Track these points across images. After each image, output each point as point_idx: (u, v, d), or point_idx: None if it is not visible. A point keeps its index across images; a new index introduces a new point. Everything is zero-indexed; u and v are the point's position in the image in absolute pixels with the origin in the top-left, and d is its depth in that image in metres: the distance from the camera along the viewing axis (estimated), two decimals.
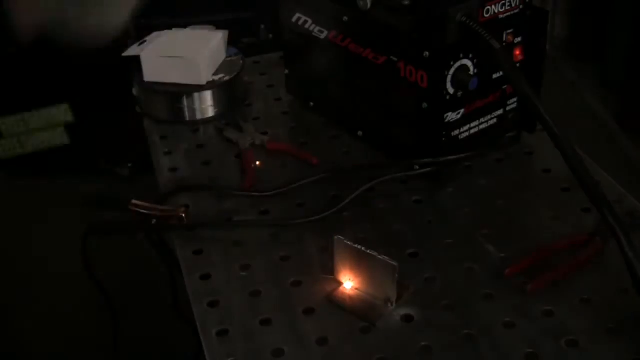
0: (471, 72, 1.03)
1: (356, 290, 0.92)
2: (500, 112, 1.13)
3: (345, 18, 1.12)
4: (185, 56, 1.28)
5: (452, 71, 1.01)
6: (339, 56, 1.17)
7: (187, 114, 1.30)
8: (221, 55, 1.35)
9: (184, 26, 1.45)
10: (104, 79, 2.49)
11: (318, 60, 1.22)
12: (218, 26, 1.42)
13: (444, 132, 1.06)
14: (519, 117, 1.16)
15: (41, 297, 2.17)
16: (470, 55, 1.02)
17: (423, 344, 0.85)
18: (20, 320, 2.19)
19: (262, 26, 2.50)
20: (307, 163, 1.17)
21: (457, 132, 1.08)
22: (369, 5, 1.05)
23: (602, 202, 0.86)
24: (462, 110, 1.06)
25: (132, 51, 1.31)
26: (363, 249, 0.89)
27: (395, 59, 1.06)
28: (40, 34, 1.64)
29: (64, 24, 0.84)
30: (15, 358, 0.83)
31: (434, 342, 0.85)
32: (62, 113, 2.54)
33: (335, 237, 0.91)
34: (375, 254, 0.88)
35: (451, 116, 1.05)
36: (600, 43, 3.18)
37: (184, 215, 1.05)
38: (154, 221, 1.06)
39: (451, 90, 1.03)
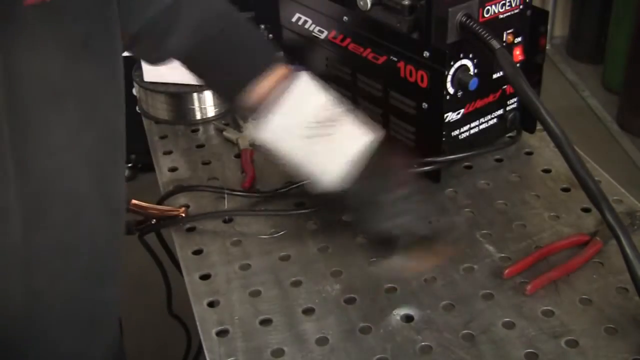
0: (471, 72, 1.03)
1: None
2: (500, 112, 1.13)
3: (345, 18, 1.12)
4: None
5: (452, 71, 1.01)
6: (339, 56, 1.17)
7: (187, 114, 1.30)
8: None
9: None
10: None
11: (318, 61, 1.22)
12: None
13: (444, 132, 1.06)
14: (519, 117, 1.16)
15: None
16: (470, 55, 1.02)
17: (423, 344, 0.85)
18: None
19: (262, 26, 2.50)
20: None
21: (457, 132, 1.08)
22: (369, 5, 1.05)
23: (602, 202, 0.86)
24: (462, 110, 1.06)
25: None
26: None
27: (395, 59, 1.06)
28: None
29: None
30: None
31: (434, 342, 0.85)
32: None
33: None
34: None
35: (451, 116, 1.05)
36: (600, 43, 3.18)
37: (183, 215, 1.05)
38: (153, 221, 1.05)
39: (451, 90, 1.03)
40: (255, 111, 0.90)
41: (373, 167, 0.90)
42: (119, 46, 0.79)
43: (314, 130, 0.89)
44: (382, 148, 0.92)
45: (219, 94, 0.99)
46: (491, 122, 1.13)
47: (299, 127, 0.89)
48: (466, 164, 1.14)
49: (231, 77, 0.94)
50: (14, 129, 0.69)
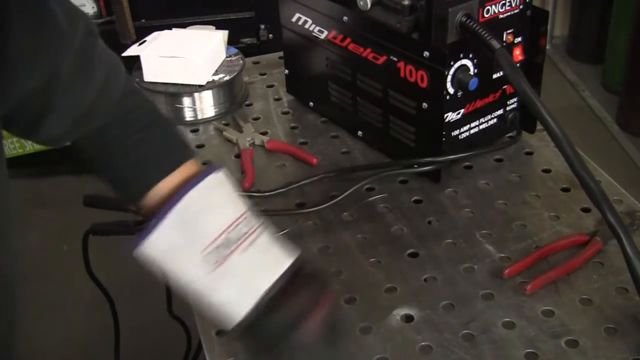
0: (471, 72, 1.03)
1: None
2: (500, 112, 1.13)
3: (345, 18, 1.12)
4: (185, 56, 1.28)
5: (452, 71, 1.01)
6: (339, 56, 1.17)
7: (187, 114, 1.30)
8: (221, 55, 1.35)
9: (184, 26, 1.45)
10: None
11: (318, 61, 1.22)
12: (218, 26, 1.42)
13: (444, 132, 1.06)
14: (519, 117, 1.16)
15: (41, 297, 2.17)
16: (470, 55, 1.02)
17: (423, 344, 0.85)
18: (21, 319, 2.18)
19: (262, 26, 2.51)
20: (307, 163, 1.17)
21: (457, 132, 1.08)
22: (369, 5, 1.05)
23: (602, 202, 0.86)
24: (462, 110, 1.06)
25: (132, 51, 1.31)
26: None
27: (395, 59, 1.06)
28: None
29: None
30: (14, 357, 0.80)
31: (434, 342, 0.85)
32: None
33: None
34: None
35: (451, 116, 1.05)
36: (600, 43, 3.18)
37: None
38: None
39: (451, 90, 1.03)
40: (149, 218, 0.73)
41: (279, 304, 0.73)
42: None
43: (215, 254, 0.72)
44: (296, 279, 0.75)
45: (116, 192, 0.82)
46: (491, 122, 1.13)
47: (195, 248, 0.72)
48: (466, 164, 1.14)
49: (127, 176, 0.79)
50: None
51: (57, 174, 2.70)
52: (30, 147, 2.60)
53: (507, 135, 1.18)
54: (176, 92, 1.29)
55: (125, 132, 0.79)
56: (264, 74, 1.43)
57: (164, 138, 0.81)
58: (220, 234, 0.73)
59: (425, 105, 1.05)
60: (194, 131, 1.28)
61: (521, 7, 1.06)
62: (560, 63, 3.34)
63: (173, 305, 1.25)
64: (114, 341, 1.33)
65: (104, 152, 0.80)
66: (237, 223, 0.74)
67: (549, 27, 1.13)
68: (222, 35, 1.37)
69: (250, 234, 0.74)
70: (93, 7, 2.44)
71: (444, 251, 0.99)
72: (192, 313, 0.92)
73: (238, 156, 1.20)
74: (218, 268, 0.72)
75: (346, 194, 1.06)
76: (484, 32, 0.97)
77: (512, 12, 1.05)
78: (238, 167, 1.17)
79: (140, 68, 1.30)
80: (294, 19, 1.22)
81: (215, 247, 0.72)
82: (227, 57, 1.36)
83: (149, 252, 0.73)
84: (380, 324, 0.88)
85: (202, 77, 1.29)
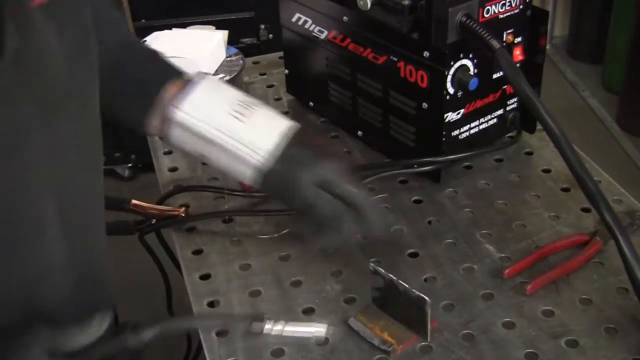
0: (471, 72, 1.03)
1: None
2: (500, 112, 1.13)
3: (345, 18, 1.12)
4: (185, 56, 1.27)
5: (452, 71, 1.01)
6: (339, 56, 1.17)
7: None
8: (221, 55, 1.35)
9: (184, 26, 1.44)
10: None
11: (318, 61, 1.22)
12: (218, 26, 1.42)
13: (444, 132, 1.06)
14: (519, 117, 1.16)
15: None
16: (470, 55, 1.02)
17: (423, 343, 0.85)
18: None
19: (262, 26, 2.51)
20: None
21: (457, 132, 1.08)
22: (369, 5, 1.05)
23: (600, 202, 0.86)
24: (462, 110, 1.06)
25: None
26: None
27: (395, 59, 1.06)
28: None
29: None
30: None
31: (434, 342, 0.85)
32: None
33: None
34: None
35: (451, 116, 1.05)
36: (600, 43, 3.18)
37: (183, 215, 1.05)
38: (153, 221, 1.05)
39: (451, 90, 1.03)
40: (169, 109, 0.88)
41: (301, 143, 0.89)
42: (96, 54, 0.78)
43: (240, 107, 0.88)
44: (304, 133, 0.91)
45: (129, 116, 0.95)
46: (491, 122, 1.13)
47: (224, 104, 0.88)
48: (466, 164, 1.14)
49: (140, 93, 0.92)
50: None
51: None
52: None
53: (507, 135, 1.18)
54: None
55: (133, 58, 0.96)
56: (264, 74, 1.43)
57: (162, 59, 0.96)
58: (240, 96, 0.90)
59: (425, 105, 1.05)
60: None
61: (521, 7, 1.06)
62: (560, 63, 3.34)
63: (173, 305, 1.25)
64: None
65: (120, 72, 0.93)
66: (245, 95, 0.91)
67: (549, 27, 1.13)
68: (222, 35, 1.37)
69: (256, 101, 0.91)
70: None
71: (444, 251, 0.99)
72: (191, 314, 0.92)
73: None
74: (245, 114, 0.88)
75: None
76: (484, 32, 0.97)
77: (512, 12, 1.05)
78: None
79: None
80: (294, 19, 1.22)
81: (239, 102, 0.89)
82: (227, 57, 1.36)
83: (187, 112, 0.87)
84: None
85: None
